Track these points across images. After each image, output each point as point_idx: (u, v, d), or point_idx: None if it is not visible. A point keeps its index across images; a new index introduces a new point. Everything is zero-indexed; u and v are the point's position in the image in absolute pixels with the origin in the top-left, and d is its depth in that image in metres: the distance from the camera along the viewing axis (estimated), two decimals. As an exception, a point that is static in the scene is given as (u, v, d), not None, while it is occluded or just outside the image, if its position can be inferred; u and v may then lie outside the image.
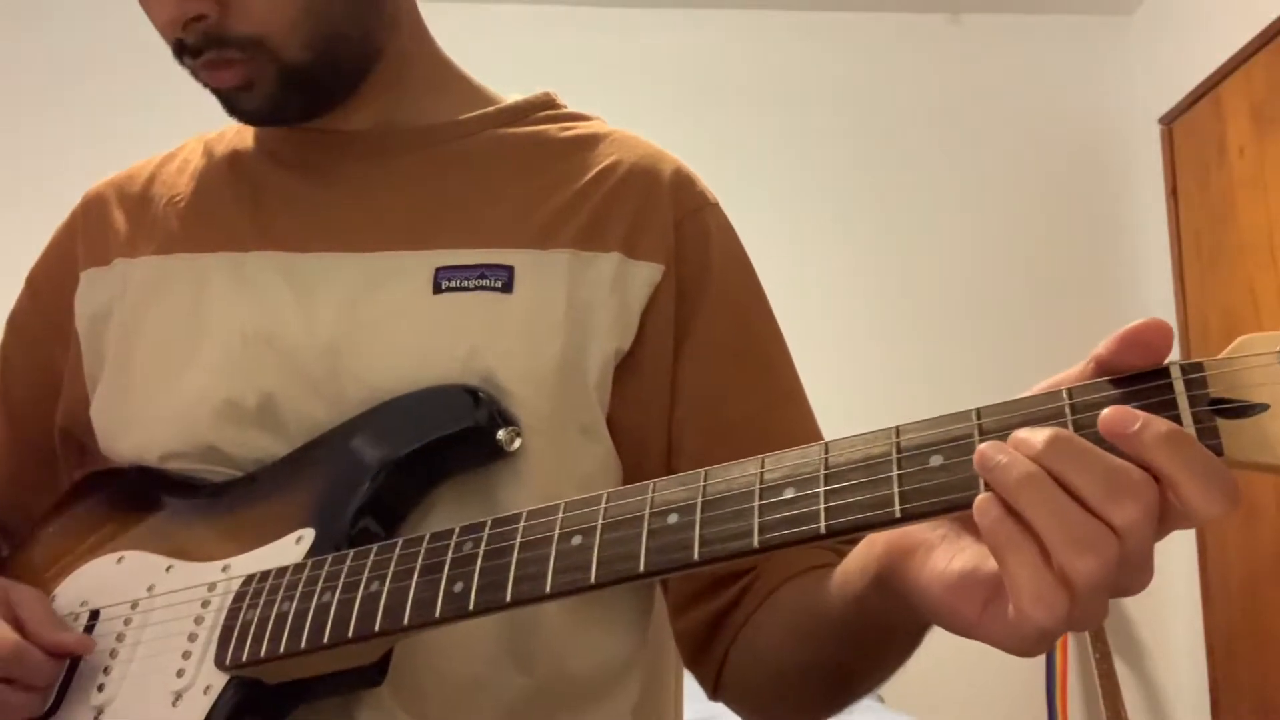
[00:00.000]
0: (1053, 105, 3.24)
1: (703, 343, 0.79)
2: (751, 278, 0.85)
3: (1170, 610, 2.99)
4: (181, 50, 0.77)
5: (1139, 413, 0.45)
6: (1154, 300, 3.08)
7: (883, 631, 0.64)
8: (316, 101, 0.81)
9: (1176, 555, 2.97)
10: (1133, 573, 0.46)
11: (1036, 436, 0.46)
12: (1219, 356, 0.46)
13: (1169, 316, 2.99)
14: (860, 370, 3.02)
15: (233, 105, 0.80)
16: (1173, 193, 3.05)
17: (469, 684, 0.73)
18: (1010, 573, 0.46)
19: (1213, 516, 0.44)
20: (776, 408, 0.81)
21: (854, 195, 3.19)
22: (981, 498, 0.47)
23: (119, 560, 0.78)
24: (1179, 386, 0.46)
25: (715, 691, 0.79)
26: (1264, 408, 0.44)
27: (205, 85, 0.79)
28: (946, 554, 0.53)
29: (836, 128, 3.23)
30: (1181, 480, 0.44)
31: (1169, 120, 3.06)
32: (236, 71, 0.76)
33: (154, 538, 0.78)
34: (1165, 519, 0.46)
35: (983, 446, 0.47)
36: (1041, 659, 2.89)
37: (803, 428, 0.82)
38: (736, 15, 3.25)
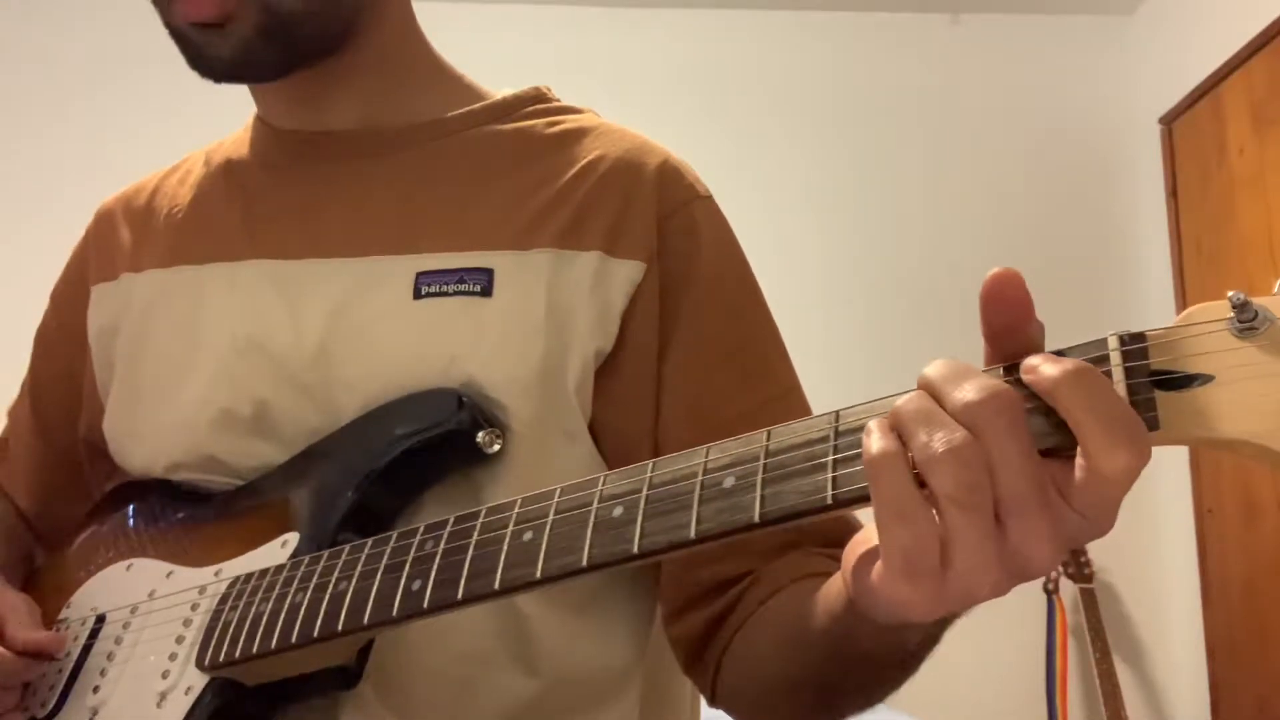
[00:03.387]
0: (1053, 105, 3.23)
1: (689, 341, 0.77)
2: (744, 272, 0.82)
3: (1170, 610, 2.99)
4: None
5: (1051, 355, 0.44)
6: (1154, 300, 3.08)
7: (859, 652, 0.60)
8: (286, 60, 0.78)
9: (1176, 555, 2.97)
10: (1016, 519, 0.42)
11: (903, 399, 0.46)
12: (1167, 326, 0.44)
13: (1169, 317, 2.94)
14: (857, 371, 3.02)
15: (200, 51, 0.76)
16: (1173, 193, 3.05)
17: (457, 683, 0.73)
18: (877, 491, 0.44)
19: (1117, 469, 0.41)
20: (770, 405, 0.77)
21: (853, 195, 3.19)
22: (871, 421, 0.46)
23: (128, 567, 0.80)
24: (1115, 358, 0.44)
25: (713, 699, 0.78)
26: (1208, 379, 0.42)
27: (174, 24, 0.76)
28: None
29: (835, 127, 3.23)
30: (1084, 421, 0.42)
31: (1169, 120, 3.06)
32: (218, 2, 0.73)
33: (160, 545, 0.79)
34: (1073, 485, 0.43)
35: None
36: (1042, 660, 2.90)
37: None
38: (736, 15, 3.25)
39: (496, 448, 0.71)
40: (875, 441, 0.44)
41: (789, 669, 0.68)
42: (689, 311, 0.77)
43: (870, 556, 0.48)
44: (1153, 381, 0.43)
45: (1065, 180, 3.20)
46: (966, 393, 0.43)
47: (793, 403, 0.80)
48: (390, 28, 0.84)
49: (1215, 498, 2.83)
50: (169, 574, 0.76)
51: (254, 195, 0.84)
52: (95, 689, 0.73)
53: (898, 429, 0.44)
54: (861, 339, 3.09)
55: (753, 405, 0.77)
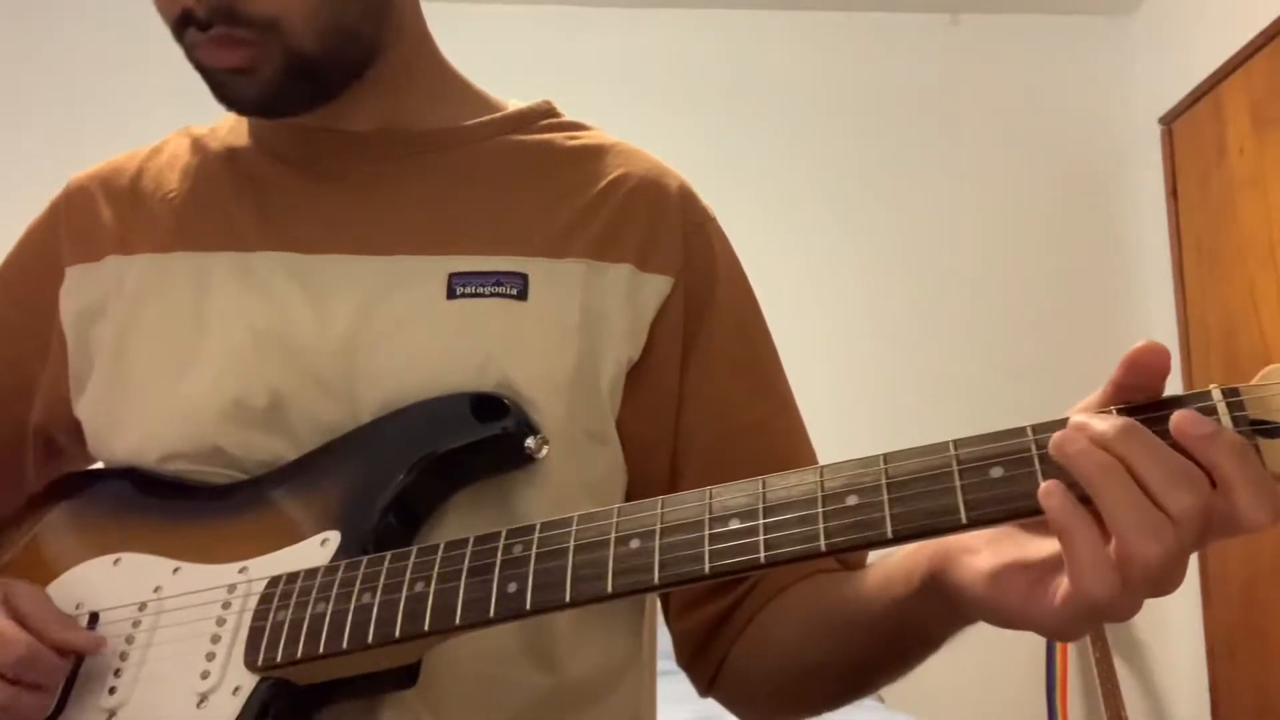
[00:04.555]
0: (1053, 105, 3.24)
1: (709, 352, 0.81)
2: (750, 291, 0.87)
3: (1170, 610, 2.99)
4: (186, 22, 0.74)
5: (1210, 420, 0.50)
6: (1153, 300, 3.09)
7: (917, 633, 0.67)
8: (314, 96, 0.79)
9: (1176, 555, 2.97)
10: (1174, 570, 0.49)
11: (1109, 424, 0.51)
12: (1250, 384, 0.52)
13: (1168, 317, 3.00)
14: (858, 370, 3.02)
15: (226, 91, 0.76)
16: (1173, 193, 3.05)
17: (483, 681, 0.73)
18: (1074, 551, 0.50)
19: (1258, 524, 0.49)
20: (777, 417, 0.84)
21: (853, 196, 3.19)
22: (1049, 483, 0.51)
23: (115, 562, 0.77)
24: (1222, 408, 0.51)
25: (709, 688, 0.82)
26: None
27: (200, 65, 0.76)
28: (990, 555, 0.57)
29: (836, 128, 3.23)
30: (1239, 485, 0.49)
31: (1169, 120, 3.07)
32: (242, 53, 0.73)
33: (153, 540, 0.76)
34: (1212, 527, 0.50)
35: (1058, 435, 0.51)
36: (1042, 659, 2.90)
37: (801, 437, 0.85)
38: (735, 15, 3.25)
39: (545, 452, 0.73)
40: (1071, 517, 0.50)
41: (817, 653, 0.74)
42: (708, 325, 0.82)
43: (1024, 574, 0.55)
44: (1255, 430, 0.51)
45: (1065, 180, 3.21)
46: (1169, 481, 0.49)
47: (795, 415, 0.85)
48: (408, 40, 0.85)
49: (1215, 498, 2.83)
50: (175, 570, 0.74)
51: (265, 186, 0.83)
52: (111, 690, 0.71)
53: (1091, 491, 0.50)
54: (859, 338, 3.09)
55: (765, 415, 0.83)
